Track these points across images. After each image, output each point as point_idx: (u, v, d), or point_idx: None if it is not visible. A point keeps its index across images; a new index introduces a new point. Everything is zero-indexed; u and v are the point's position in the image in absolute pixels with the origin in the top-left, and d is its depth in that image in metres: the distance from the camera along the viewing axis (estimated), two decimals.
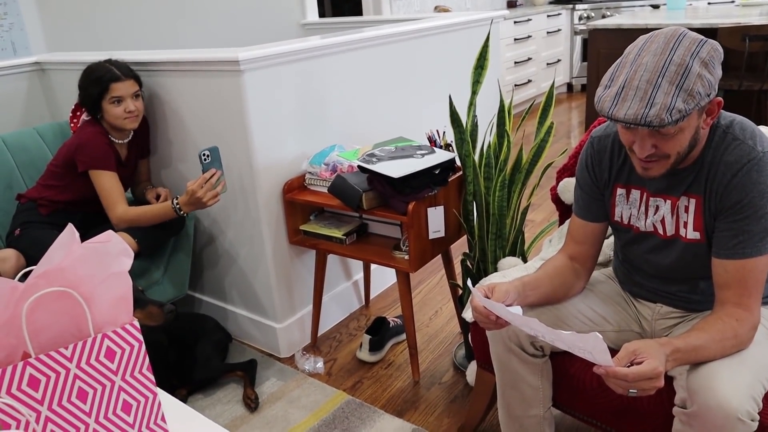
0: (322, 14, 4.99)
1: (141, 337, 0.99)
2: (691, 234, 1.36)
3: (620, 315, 1.57)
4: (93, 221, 2.27)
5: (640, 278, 1.54)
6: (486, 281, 1.79)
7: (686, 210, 1.36)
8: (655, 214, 1.41)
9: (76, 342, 0.91)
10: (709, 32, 3.82)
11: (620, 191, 1.47)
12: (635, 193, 1.44)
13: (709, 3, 6.45)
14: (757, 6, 4.90)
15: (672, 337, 1.33)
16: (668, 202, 1.38)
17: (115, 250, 0.99)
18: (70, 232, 0.98)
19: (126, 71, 2.18)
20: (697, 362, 1.25)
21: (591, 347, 1.16)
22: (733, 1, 6.13)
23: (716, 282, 1.32)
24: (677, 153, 1.25)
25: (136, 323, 0.99)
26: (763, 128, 1.45)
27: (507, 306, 1.36)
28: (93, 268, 0.95)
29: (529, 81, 6.45)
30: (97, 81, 2.15)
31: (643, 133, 1.23)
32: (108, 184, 2.16)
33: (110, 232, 0.98)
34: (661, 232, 1.41)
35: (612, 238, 1.77)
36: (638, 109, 1.17)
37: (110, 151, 2.19)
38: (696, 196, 1.34)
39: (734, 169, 1.26)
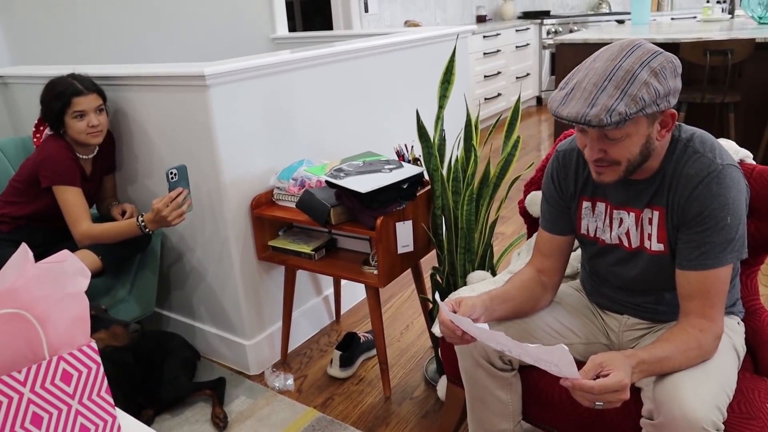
0: (292, 28, 4.99)
1: (99, 359, 0.97)
2: (656, 246, 1.38)
3: (588, 327, 1.57)
4: (56, 238, 2.22)
5: (606, 290, 1.55)
6: (454, 295, 1.79)
7: (650, 222, 1.38)
8: (619, 226, 1.43)
9: (30, 365, 0.88)
10: (671, 47, 3.90)
11: (586, 204, 1.48)
12: (600, 206, 1.46)
13: (672, 18, 6.60)
14: (717, 22, 5.02)
15: (637, 348, 1.34)
16: (632, 214, 1.40)
17: (71, 270, 0.96)
18: (24, 251, 0.96)
19: (89, 85, 2.15)
20: (663, 373, 1.26)
21: (557, 360, 1.16)
22: (695, 17, 6.27)
23: (680, 293, 1.34)
24: (627, 160, 1.27)
25: (94, 345, 0.96)
26: (722, 141, 1.47)
27: (474, 321, 1.36)
28: (48, 289, 0.92)
29: (499, 95, 6.52)
30: (59, 95, 2.11)
31: (593, 135, 1.27)
32: (72, 200, 2.12)
33: (66, 251, 0.96)
34: (626, 244, 1.43)
35: (579, 251, 1.78)
36: (580, 108, 1.21)
37: (75, 166, 2.15)
38: (659, 208, 1.35)
39: (695, 181, 1.28)
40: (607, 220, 1.45)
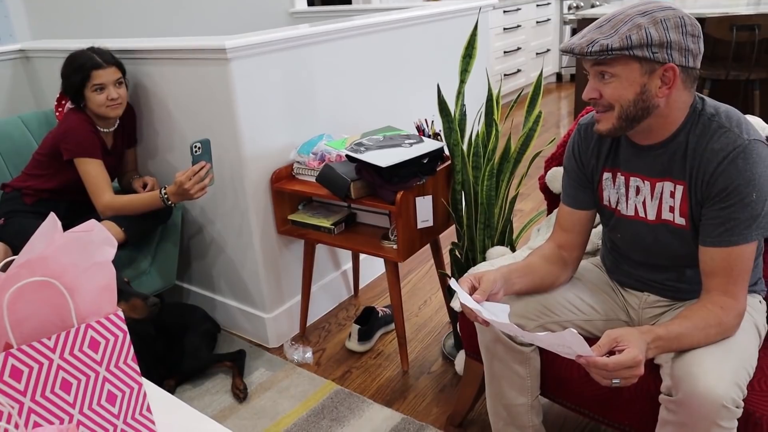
0: (311, 3, 4.96)
1: (125, 328, 0.98)
2: (678, 220, 1.37)
3: (607, 304, 1.57)
4: (79, 210, 2.25)
5: (627, 267, 1.54)
6: (474, 270, 1.79)
7: (671, 195, 1.36)
8: (636, 195, 1.42)
9: (59, 332, 0.90)
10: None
11: (606, 175, 1.48)
12: (621, 177, 1.45)
13: None
14: None
15: (655, 324, 1.33)
16: (647, 183, 1.39)
17: (98, 239, 0.97)
18: (52, 220, 0.97)
19: (108, 58, 2.16)
20: (681, 350, 1.26)
21: (569, 342, 1.16)
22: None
23: (702, 270, 1.33)
24: (620, 105, 1.28)
25: (120, 313, 0.98)
26: (749, 117, 1.45)
27: (494, 295, 1.36)
28: (76, 258, 0.94)
29: (519, 71, 6.45)
30: (79, 69, 2.12)
31: (591, 76, 1.31)
32: (93, 171, 2.14)
33: (93, 221, 0.97)
34: (642, 215, 1.42)
35: (600, 227, 1.77)
36: (574, 40, 1.29)
37: (96, 139, 2.17)
38: (682, 182, 1.34)
39: (720, 156, 1.26)
40: (624, 189, 1.44)
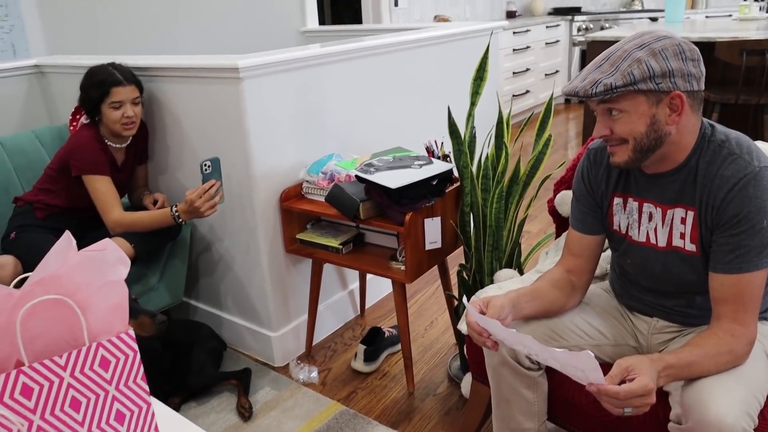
0: (322, 21, 5.01)
1: (136, 347, 0.99)
2: (689, 246, 1.37)
3: (616, 329, 1.56)
4: (89, 225, 2.26)
5: (636, 292, 1.54)
6: (482, 293, 1.79)
7: (683, 222, 1.36)
8: (649, 221, 1.42)
9: (70, 350, 0.90)
10: (706, 46, 3.85)
11: (617, 200, 1.48)
12: (632, 202, 1.45)
13: (707, 17, 6.49)
14: (755, 20, 4.93)
15: (665, 352, 1.33)
16: (659, 209, 1.39)
17: (112, 258, 0.98)
18: (67, 239, 0.98)
19: (128, 76, 2.18)
20: (691, 378, 1.25)
21: (583, 365, 1.15)
22: (730, 15, 6.16)
23: (713, 296, 1.32)
24: (633, 138, 1.29)
25: (131, 332, 0.98)
26: (759, 144, 1.45)
27: (502, 321, 1.36)
28: (89, 276, 0.94)
29: (528, 91, 6.48)
30: (99, 84, 2.14)
31: (599, 114, 1.32)
32: (102, 188, 2.15)
33: (107, 240, 0.98)
34: (654, 242, 1.42)
35: (609, 252, 1.77)
36: (576, 83, 1.29)
37: (103, 155, 2.18)
38: (692, 208, 1.34)
39: (730, 183, 1.27)
40: (636, 215, 1.44)
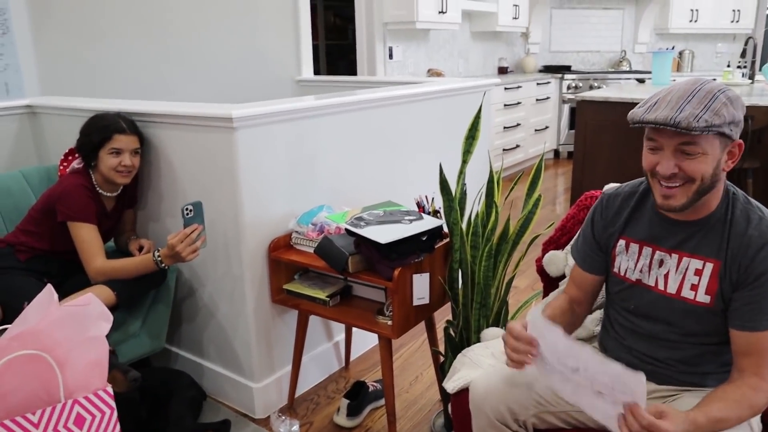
0: (317, 71, 5.08)
1: (113, 404, 0.96)
2: (702, 298, 1.37)
3: None
4: (72, 269, 2.23)
5: (630, 340, 1.52)
6: (468, 352, 1.78)
7: (697, 273, 1.38)
8: (659, 267, 1.43)
9: (45, 407, 0.88)
10: None
11: (621, 242, 1.51)
12: (638, 247, 1.47)
13: None
14: (738, 86, 5.06)
15: (694, 409, 1.31)
16: (674, 256, 1.41)
17: (94, 314, 0.96)
18: (49, 292, 0.96)
19: (131, 126, 2.21)
20: (715, 429, 1.27)
21: (633, 386, 1.16)
22: (714, 80, 6.30)
23: (735, 350, 1.35)
24: (701, 178, 1.29)
25: (110, 389, 0.96)
26: None
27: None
28: (70, 332, 0.92)
29: (518, 146, 6.56)
30: (103, 129, 2.16)
31: (669, 150, 1.30)
32: (87, 236, 2.13)
33: (90, 294, 0.96)
34: (662, 288, 1.43)
35: (596, 314, 1.76)
36: (669, 112, 1.26)
37: (91, 203, 2.17)
38: (714, 261, 1.36)
39: (760, 243, 1.30)
40: (647, 260, 1.45)
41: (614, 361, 1.19)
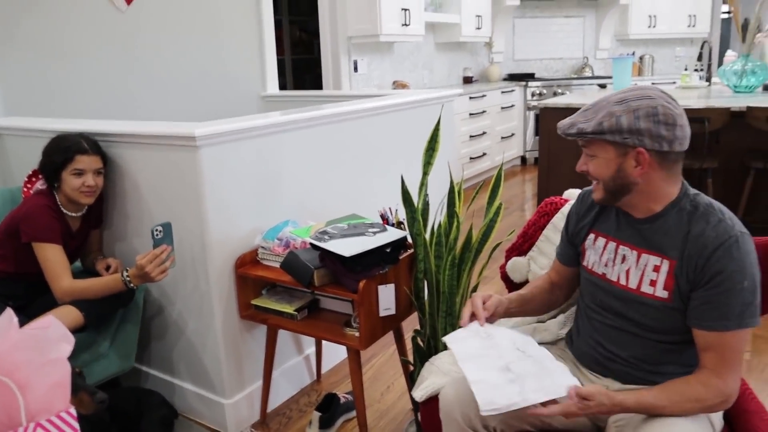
0: (283, 85, 5.10)
1: (77, 426, 0.97)
2: (660, 293, 1.43)
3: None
4: (38, 290, 2.22)
5: (596, 336, 1.58)
6: (436, 360, 1.80)
7: (655, 269, 1.44)
8: (622, 262, 1.51)
9: (5, 431, 0.89)
10: None
11: (591, 236, 1.61)
12: (612, 244, 1.55)
13: (653, 83, 6.80)
14: (695, 89, 5.19)
15: (628, 392, 1.38)
16: (634, 252, 1.48)
17: (55, 336, 0.98)
18: (8, 317, 0.97)
19: (94, 147, 2.20)
20: (649, 414, 1.35)
21: (558, 373, 1.36)
22: (674, 83, 6.47)
23: (698, 345, 1.40)
24: (603, 180, 1.44)
25: (73, 411, 0.97)
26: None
27: (492, 316, 1.58)
28: (30, 355, 0.94)
29: (484, 154, 6.64)
30: (65, 150, 2.15)
31: (581, 155, 1.49)
32: (52, 257, 2.12)
33: (51, 317, 0.98)
34: (624, 282, 1.50)
35: (560, 317, 1.81)
36: (561, 122, 1.48)
37: (56, 223, 2.16)
38: (669, 259, 1.42)
39: (716, 243, 1.35)
40: (612, 255, 1.53)
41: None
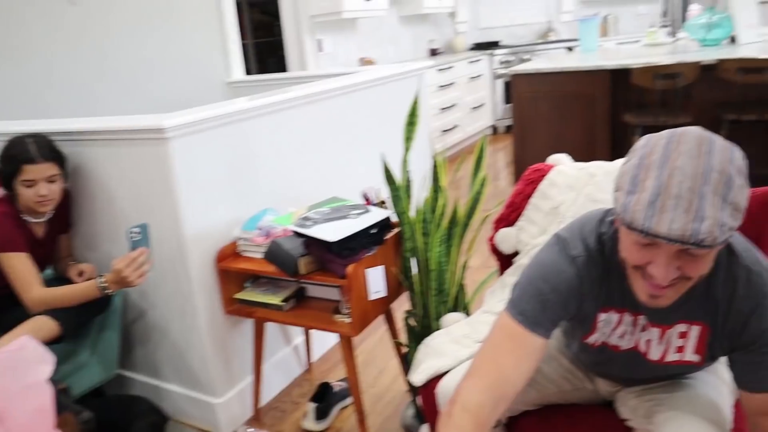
0: (247, 70, 4.97)
1: None
2: (690, 357, 1.27)
3: (573, 383, 1.53)
4: (6, 304, 2.11)
5: (609, 378, 1.48)
6: (430, 340, 1.76)
7: (682, 336, 1.25)
8: (641, 331, 1.28)
9: None
10: (623, 72, 4.00)
11: (604, 316, 1.29)
12: (624, 316, 1.29)
13: (618, 43, 6.79)
14: (662, 45, 5.17)
15: None
16: (658, 329, 1.26)
17: (32, 357, 0.90)
18: None
19: (45, 152, 2.04)
20: None
21: None
22: (638, 41, 6.46)
23: (751, 410, 1.24)
24: (700, 276, 1.09)
25: None
26: None
27: None
28: (6, 381, 0.86)
29: (456, 126, 6.58)
30: (11, 160, 2.01)
31: (671, 252, 1.04)
32: (19, 266, 2.01)
33: (27, 337, 0.89)
34: (643, 350, 1.30)
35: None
36: (686, 223, 0.97)
37: (19, 232, 2.04)
38: (700, 324, 1.22)
39: (752, 304, 1.15)
40: (628, 327, 1.29)
41: None
